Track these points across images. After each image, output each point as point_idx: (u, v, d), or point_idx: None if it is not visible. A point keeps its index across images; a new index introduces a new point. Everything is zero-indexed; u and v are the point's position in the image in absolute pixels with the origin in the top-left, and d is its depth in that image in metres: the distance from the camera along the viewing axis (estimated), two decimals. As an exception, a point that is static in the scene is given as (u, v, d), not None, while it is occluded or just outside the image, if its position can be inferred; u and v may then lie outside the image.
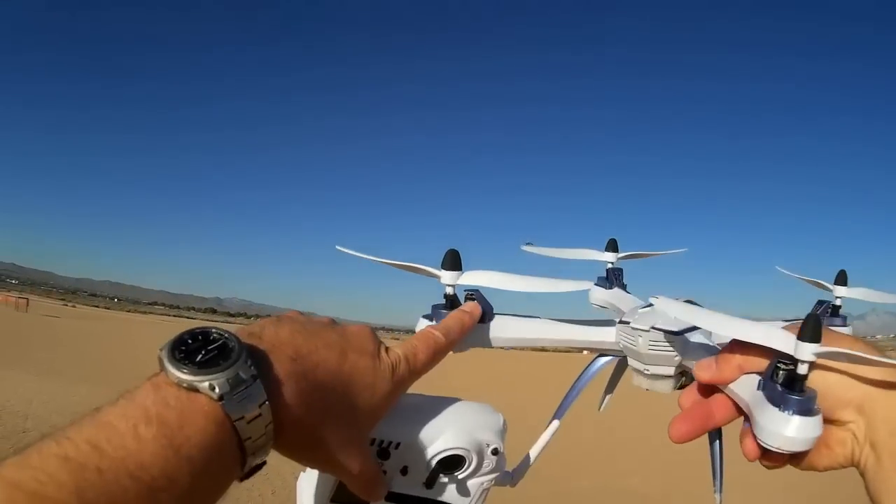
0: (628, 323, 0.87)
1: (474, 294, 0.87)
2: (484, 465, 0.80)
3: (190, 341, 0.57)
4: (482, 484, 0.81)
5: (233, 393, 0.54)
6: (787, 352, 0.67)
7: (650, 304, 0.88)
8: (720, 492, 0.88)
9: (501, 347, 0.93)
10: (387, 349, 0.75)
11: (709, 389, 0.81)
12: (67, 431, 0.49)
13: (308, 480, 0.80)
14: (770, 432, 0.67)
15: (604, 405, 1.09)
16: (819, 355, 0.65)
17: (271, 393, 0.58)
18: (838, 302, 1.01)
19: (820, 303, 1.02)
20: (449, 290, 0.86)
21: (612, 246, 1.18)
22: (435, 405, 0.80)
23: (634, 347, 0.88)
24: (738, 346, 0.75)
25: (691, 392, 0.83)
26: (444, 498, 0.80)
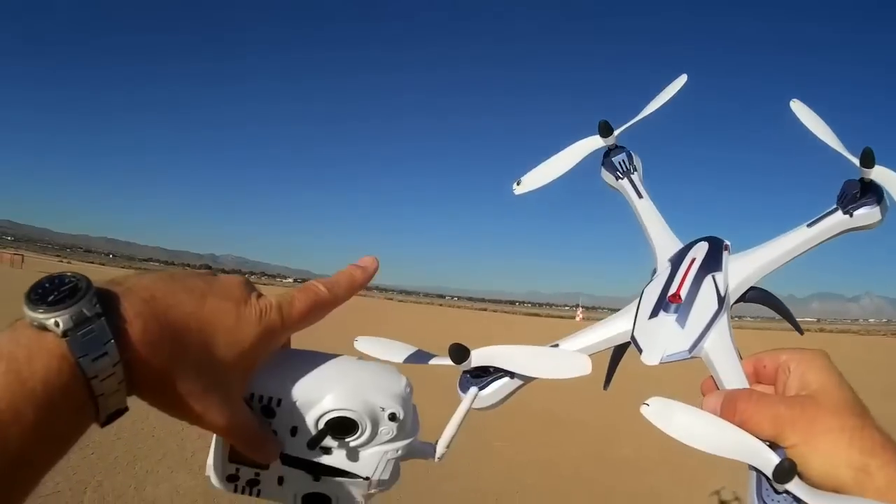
0: (640, 350, 0.83)
1: (482, 373, 0.84)
2: (381, 432, 0.74)
3: (47, 285, 0.58)
4: (385, 453, 0.75)
5: (77, 330, 0.55)
6: (767, 475, 0.67)
7: (664, 297, 0.85)
8: None
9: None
10: (259, 295, 0.72)
11: None
12: None
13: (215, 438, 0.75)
14: None
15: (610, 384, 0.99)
16: (790, 492, 0.66)
17: (117, 332, 0.57)
18: (867, 179, 0.86)
19: (848, 185, 0.90)
20: (468, 370, 0.84)
21: (605, 129, 1.06)
22: (327, 362, 0.75)
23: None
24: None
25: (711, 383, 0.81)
26: (341, 465, 0.75)
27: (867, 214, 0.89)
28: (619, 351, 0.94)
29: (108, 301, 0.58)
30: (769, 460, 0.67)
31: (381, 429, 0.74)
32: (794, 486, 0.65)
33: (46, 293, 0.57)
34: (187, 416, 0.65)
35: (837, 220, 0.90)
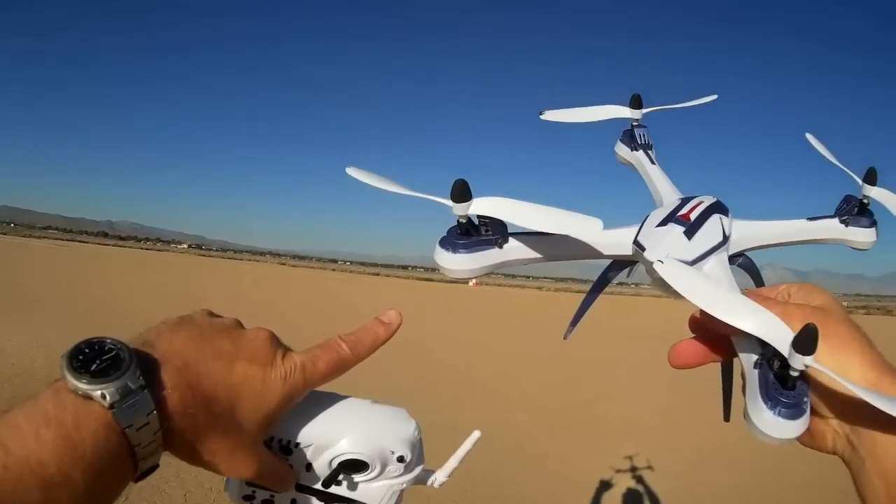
0: (642, 249, 0.82)
1: (488, 221, 0.82)
2: (389, 471, 0.77)
3: (87, 350, 0.59)
4: (391, 487, 0.78)
5: (122, 402, 0.56)
6: (782, 353, 0.63)
7: (674, 214, 0.85)
8: (727, 420, 0.96)
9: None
10: (284, 355, 0.72)
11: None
12: None
13: None
14: (753, 422, 0.65)
15: (571, 333, 1.02)
16: (810, 367, 0.62)
17: (158, 402, 0.59)
18: (866, 200, 0.94)
19: (847, 199, 0.95)
20: (461, 220, 0.80)
21: (636, 101, 1.11)
22: (342, 407, 0.78)
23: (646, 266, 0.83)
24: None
25: (700, 317, 0.80)
26: (350, 495, 0.78)
27: (862, 233, 0.94)
28: (601, 283, 0.96)
29: (148, 370, 0.60)
30: (784, 331, 0.64)
31: (388, 468, 0.76)
32: (816, 362, 0.62)
33: (88, 361, 0.57)
34: (216, 469, 0.67)
35: (832, 225, 0.95)
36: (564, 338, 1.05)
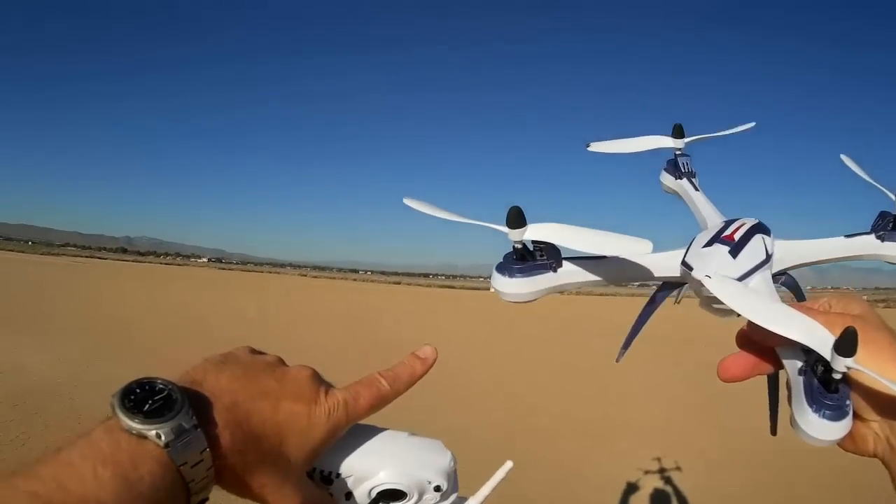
0: (690, 269, 0.84)
1: (542, 246, 0.84)
2: (426, 500, 0.79)
3: (138, 390, 0.60)
4: None
5: (177, 441, 0.58)
6: (825, 356, 0.65)
7: (719, 236, 0.86)
8: (774, 433, 0.97)
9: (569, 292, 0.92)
10: (327, 392, 0.75)
11: None
12: (34, 468, 0.53)
13: None
14: (799, 426, 0.67)
15: (623, 356, 1.03)
16: (852, 370, 0.64)
17: (210, 440, 0.61)
18: None
19: (882, 215, 0.96)
20: (517, 245, 0.82)
21: (679, 131, 1.14)
22: (381, 440, 0.80)
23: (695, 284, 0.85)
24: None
25: (748, 331, 0.80)
26: None
27: None
28: (651, 305, 0.96)
29: (199, 409, 0.62)
30: (826, 337, 0.66)
31: (425, 497, 0.79)
32: (856, 363, 0.63)
33: (140, 401, 0.59)
34: (263, 501, 0.69)
35: (869, 241, 0.96)
36: (617, 360, 1.06)
